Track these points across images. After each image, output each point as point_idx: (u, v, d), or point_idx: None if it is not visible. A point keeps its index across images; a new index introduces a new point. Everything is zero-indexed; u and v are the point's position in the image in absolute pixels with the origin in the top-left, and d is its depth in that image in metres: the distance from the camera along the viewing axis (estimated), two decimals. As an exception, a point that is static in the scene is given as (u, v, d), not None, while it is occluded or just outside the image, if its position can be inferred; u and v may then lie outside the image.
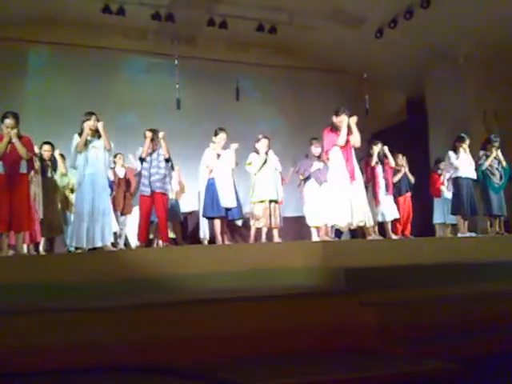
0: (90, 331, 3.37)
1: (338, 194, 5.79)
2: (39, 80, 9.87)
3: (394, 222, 7.71)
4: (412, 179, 8.14)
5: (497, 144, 7.25)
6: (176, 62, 9.18)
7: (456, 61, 9.84)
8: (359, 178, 6.02)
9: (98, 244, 5.67)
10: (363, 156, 7.42)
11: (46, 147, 6.80)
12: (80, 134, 5.78)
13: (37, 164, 6.40)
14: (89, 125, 5.75)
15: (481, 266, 4.51)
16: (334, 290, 4.04)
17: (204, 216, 6.84)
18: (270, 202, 6.90)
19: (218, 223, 6.58)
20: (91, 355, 3.27)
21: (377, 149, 7.42)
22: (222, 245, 6.51)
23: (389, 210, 7.42)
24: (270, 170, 7.00)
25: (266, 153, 7.00)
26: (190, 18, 9.82)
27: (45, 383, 3.02)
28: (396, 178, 7.91)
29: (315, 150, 7.34)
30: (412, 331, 3.10)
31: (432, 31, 9.35)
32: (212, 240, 7.69)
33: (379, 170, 7.46)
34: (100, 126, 5.76)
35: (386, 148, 7.53)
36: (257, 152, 7.00)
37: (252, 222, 6.99)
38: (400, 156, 8.15)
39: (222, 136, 6.63)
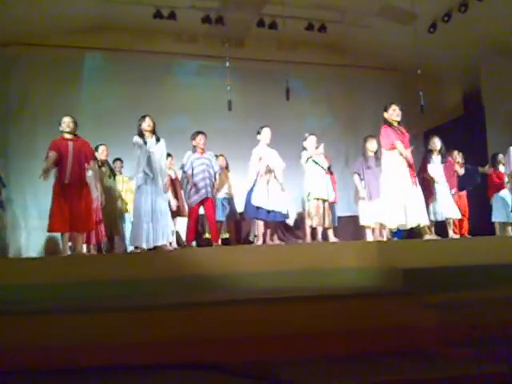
0: (143, 329, 3.43)
1: (392, 194, 5.69)
2: (94, 85, 10.14)
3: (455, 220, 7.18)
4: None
5: None
6: (227, 63, 9.22)
7: (513, 52, 9.49)
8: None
9: (159, 242, 5.79)
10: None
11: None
12: (139, 135, 5.93)
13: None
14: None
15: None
16: (392, 291, 3.96)
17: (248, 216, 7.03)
18: (324, 201, 6.84)
19: (261, 224, 6.69)
20: (142, 352, 3.32)
21: (438, 144, 6.98)
22: (274, 244, 6.51)
23: (448, 208, 6.82)
24: (320, 169, 6.94)
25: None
26: (239, 20, 9.88)
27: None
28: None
29: (371, 146, 7.14)
30: (474, 333, 3.00)
31: (487, 23, 9.04)
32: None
33: (439, 166, 6.97)
34: None
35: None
36: (305, 150, 6.99)
37: (306, 221, 6.96)
38: (455, 152, 7.87)
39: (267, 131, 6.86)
